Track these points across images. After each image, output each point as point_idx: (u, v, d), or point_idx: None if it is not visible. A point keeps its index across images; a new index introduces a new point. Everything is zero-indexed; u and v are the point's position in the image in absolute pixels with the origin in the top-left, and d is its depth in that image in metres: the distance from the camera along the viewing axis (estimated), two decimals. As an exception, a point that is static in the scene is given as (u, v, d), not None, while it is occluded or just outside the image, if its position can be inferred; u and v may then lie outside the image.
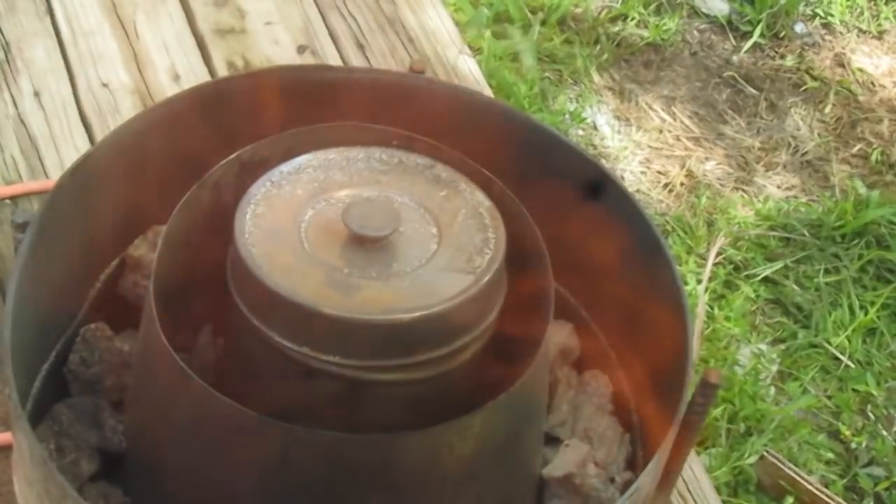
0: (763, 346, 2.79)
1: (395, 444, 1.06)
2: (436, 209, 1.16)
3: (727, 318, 2.71)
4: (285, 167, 1.18)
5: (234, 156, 1.20)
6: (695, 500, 1.93)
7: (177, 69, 2.06)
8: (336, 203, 1.15)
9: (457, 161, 1.22)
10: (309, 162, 1.19)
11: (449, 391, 1.15)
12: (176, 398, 1.10)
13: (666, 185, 2.94)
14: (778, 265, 2.90)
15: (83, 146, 1.94)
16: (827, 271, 2.93)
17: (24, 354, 1.14)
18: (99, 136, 1.97)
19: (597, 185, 1.31)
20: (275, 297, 1.07)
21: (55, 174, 1.88)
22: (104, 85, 2.05)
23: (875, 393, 2.76)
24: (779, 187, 3.12)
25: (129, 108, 2.01)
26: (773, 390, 2.69)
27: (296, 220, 1.13)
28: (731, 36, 3.34)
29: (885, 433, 2.71)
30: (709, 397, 1.13)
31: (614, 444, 1.29)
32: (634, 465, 1.30)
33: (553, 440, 1.29)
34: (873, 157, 3.20)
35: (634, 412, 1.32)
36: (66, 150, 1.95)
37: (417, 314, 1.07)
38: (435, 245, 1.14)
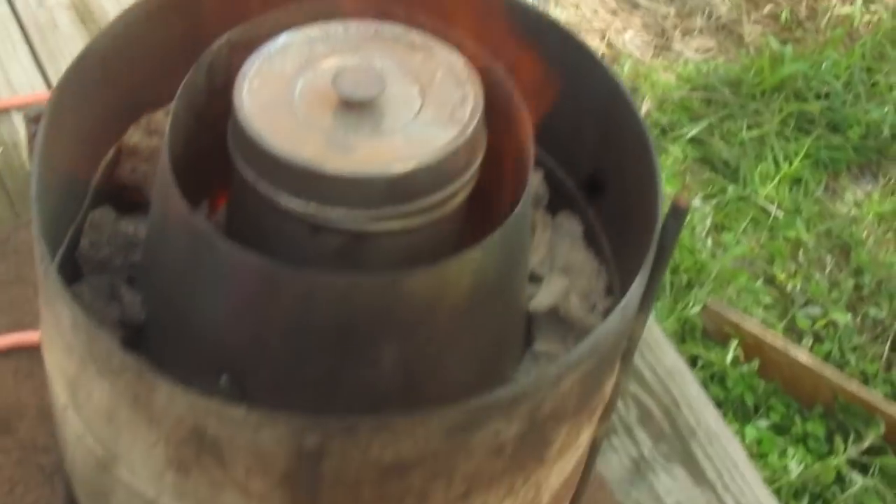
0: (696, 203, 2.91)
1: (405, 281, 1.16)
2: (415, 71, 1.26)
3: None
4: (272, 45, 1.27)
5: (224, 37, 1.28)
6: (650, 346, 2.05)
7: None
8: (323, 73, 1.24)
9: (431, 26, 1.31)
10: (293, 38, 1.28)
11: (443, 239, 1.25)
12: (197, 258, 1.19)
13: (590, 57, 3.02)
14: (703, 124, 3.02)
15: (28, 64, 2.11)
16: (749, 127, 3.05)
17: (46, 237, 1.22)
18: (41, 53, 2.13)
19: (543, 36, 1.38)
20: (280, 163, 1.17)
21: (2, 93, 2.05)
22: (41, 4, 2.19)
23: (805, 238, 2.89)
24: (696, 51, 3.23)
25: (66, 23, 2.16)
26: (709, 243, 2.82)
27: (289, 91, 1.22)
28: None
29: (817, 276, 2.85)
30: (680, 220, 1.23)
31: (592, 275, 1.39)
32: (612, 293, 1.40)
33: (535, 279, 1.39)
34: (783, 16, 3.31)
35: (607, 247, 1.42)
36: (11, 67, 2.12)
37: (414, 164, 1.17)
38: (419, 103, 1.23)
